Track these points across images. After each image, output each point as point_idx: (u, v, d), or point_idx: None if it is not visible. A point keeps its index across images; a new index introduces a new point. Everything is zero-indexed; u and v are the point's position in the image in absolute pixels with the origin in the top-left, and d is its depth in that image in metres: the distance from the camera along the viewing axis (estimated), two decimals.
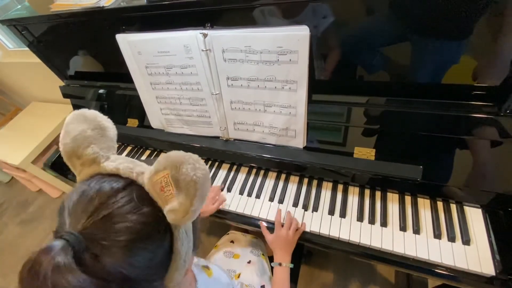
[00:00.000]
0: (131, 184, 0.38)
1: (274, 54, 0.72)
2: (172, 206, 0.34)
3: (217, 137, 1.00)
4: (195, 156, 0.36)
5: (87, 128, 0.41)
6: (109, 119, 0.45)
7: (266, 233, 0.83)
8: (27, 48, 1.11)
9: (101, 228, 0.33)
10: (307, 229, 0.81)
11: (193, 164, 0.34)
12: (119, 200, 0.35)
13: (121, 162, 0.39)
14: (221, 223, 0.97)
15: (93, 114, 0.43)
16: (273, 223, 0.85)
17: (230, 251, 0.96)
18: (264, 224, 0.86)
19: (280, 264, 0.77)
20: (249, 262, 0.91)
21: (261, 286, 0.84)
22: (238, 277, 0.86)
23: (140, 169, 0.38)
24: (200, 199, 0.35)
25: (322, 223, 0.82)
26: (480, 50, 0.61)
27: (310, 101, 0.79)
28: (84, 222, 0.33)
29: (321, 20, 0.67)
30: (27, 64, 1.82)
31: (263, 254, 0.97)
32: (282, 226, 0.81)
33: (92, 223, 0.33)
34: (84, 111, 0.43)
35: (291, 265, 0.78)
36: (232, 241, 1.01)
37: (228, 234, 1.07)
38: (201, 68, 0.83)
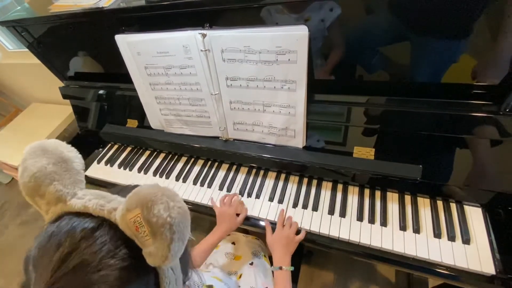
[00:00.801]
0: (103, 223, 0.33)
1: (273, 54, 0.72)
2: (149, 250, 0.31)
3: (217, 137, 1.00)
4: (169, 192, 0.31)
5: (47, 163, 0.35)
6: (72, 148, 0.39)
7: (268, 230, 0.82)
8: (27, 49, 1.11)
9: (74, 281, 0.29)
10: (307, 229, 0.81)
11: (166, 203, 0.30)
12: (93, 243, 0.31)
13: (90, 199, 0.34)
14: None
15: (54, 144, 0.38)
16: (273, 223, 0.85)
17: (232, 253, 0.96)
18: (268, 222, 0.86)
19: (280, 268, 0.74)
20: (251, 264, 0.90)
21: None
22: (240, 277, 0.86)
23: (112, 205, 0.33)
24: (179, 242, 0.31)
25: (322, 222, 0.81)
26: (479, 49, 0.61)
27: (309, 100, 0.79)
28: (52, 276, 0.29)
29: (321, 20, 0.67)
30: (27, 65, 1.82)
31: (264, 256, 0.97)
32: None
33: (62, 276, 0.29)
34: (43, 142, 0.37)
35: (292, 268, 0.75)
36: (233, 243, 1.01)
37: (228, 235, 1.06)
38: (200, 68, 0.83)
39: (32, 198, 0.36)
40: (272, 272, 0.80)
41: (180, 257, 0.34)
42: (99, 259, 0.30)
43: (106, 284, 0.30)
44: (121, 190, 0.39)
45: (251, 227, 0.90)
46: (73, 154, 0.39)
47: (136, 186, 0.41)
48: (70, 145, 0.39)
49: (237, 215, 0.87)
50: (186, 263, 0.40)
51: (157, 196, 0.30)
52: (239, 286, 0.83)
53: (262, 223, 0.88)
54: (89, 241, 0.31)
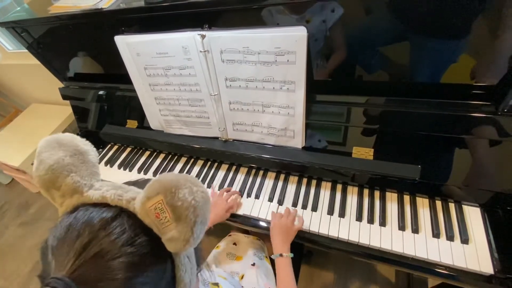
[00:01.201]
0: (121, 212, 0.34)
1: (272, 54, 0.72)
2: (171, 235, 0.31)
3: (216, 138, 1.00)
4: (192, 178, 0.32)
5: (64, 155, 0.36)
6: (87, 142, 0.40)
7: (273, 218, 0.83)
8: (27, 50, 1.11)
9: (94, 268, 0.29)
10: (307, 229, 0.82)
11: (190, 187, 0.31)
12: (111, 232, 0.31)
13: (107, 189, 0.35)
14: (220, 224, 0.97)
15: (69, 137, 0.38)
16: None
17: (233, 253, 0.96)
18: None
19: (281, 255, 0.76)
20: (253, 264, 0.90)
21: None
22: (242, 278, 0.86)
23: (130, 195, 0.34)
24: (201, 225, 0.32)
25: (321, 223, 0.82)
26: (478, 49, 0.62)
27: (308, 101, 0.79)
28: (73, 263, 0.29)
29: (322, 21, 0.67)
30: (26, 66, 1.83)
31: (266, 256, 0.97)
32: None
33: (82, 264, 0.29)
34: (58, 136, 0.38)
35: (291, 255, 0.77)
36: (234, 243, 1.01)
37: (229, 235, 1.06)
38: (200, 69, 0.83)
39: (47, 191, 0.36)
40: (273, 264, 0.80)
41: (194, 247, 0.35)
42: (119, 247, 0.31)
43: (126, 271, 0.30)
44: (134, 183, 0.39)
45: (251, 228, 0.90)
46: (88, 147, 0.39)
47: (148, 180, 0.41)
48: (84, 139, 0.40)
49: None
50: (199, 254, 0.41)
51: (180, 182, 0.31)
52: (242, 287, 0.83)
53: (262, 223, 0.88)
54: (107, 230, 0.31)
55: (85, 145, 0.39)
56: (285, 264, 0.75)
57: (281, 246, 0.77)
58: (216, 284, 0.66)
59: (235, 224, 0.92)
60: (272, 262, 0.82)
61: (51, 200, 0.37)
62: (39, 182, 0.36)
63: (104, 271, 0.29)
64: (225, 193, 0.92)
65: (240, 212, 0.91)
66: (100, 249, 0.30)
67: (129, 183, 0.40)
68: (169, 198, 0.31)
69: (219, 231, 1.64)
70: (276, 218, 0.82)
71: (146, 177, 1.08)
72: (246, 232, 1.17)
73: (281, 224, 0.80)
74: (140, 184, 0.37)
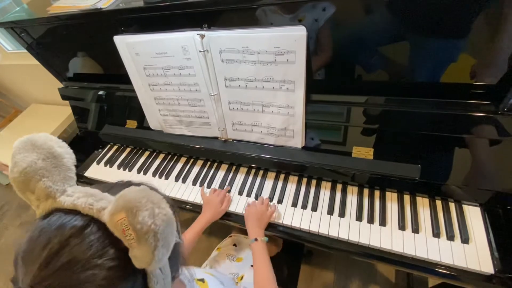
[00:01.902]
0: (92, 222, 0.32)
1: (271, 54, 0.72)
2: (135, 253, 0.30)
3: (216, 138, 1.00)
4: (156, 197, 0.31)
5: (36, 158, 0.34)
6: (64, 143, 0.38)
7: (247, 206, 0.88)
8: (26, 51, 1.11)
9: (60, 280, 0.29)
10: (306, 229, 0.81)
11: (151, 209, 0.30)
12: (81, 242, 0.30)
13: (79, 197, 0.34)
14: (220, 224, 0.97)
15: (44, 139, 0.36)
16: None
17: (233, 255, 0.96)
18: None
19: (256, 240, 0.79)
20: (252, 265, 0.90)
21: None
22: (241, 279, 0.86)
23: (101, 204, 0.33)
24: (163, 249, 0.30)
25: (321, 222, 0.82)
26: (478, 49, 0.62)
27: (308, 101, 0.79)
28: (39, 274, 0.29)
29: (320, 19, 0.67)
30: (26, 66, 1.82)
31: None
32: None
33: (49, 275, 0.29)
34: (32, 136, 0.36)
35: (266, 239, 0.81)
36: (235, 244, 1.01)
37: (230, 236, 1.06)
38: (199, 69, 0.83)
39: (23, 193, 0.36)
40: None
41: (169, 256, 0.34)
42: (87, 259, 0.30)
43: (93, 284, 0.29)
44: (112, 187, 0.38)
45: None
46: (63, 149, 0.37)
47: (127, 183, 0.40)
48: (61, 140, 0.38)
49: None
50: (177, 260, 0.40)
51: (142, 203, 0.30)
52: (236, 283, 0.83)
53: None
54: (78, 239, 0.31)
55: (60, 147, 0.37)
56: (260, 247, 0.78)
57: (256, 230, 0.81)
58: (202, 279, 0.65)
59: (235, 224, 0.92)
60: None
61: (28, 202, 0.36)
62: (14, 184, 0.35)
63: (71, 284, 0.29)
64: (215, 191, 0.95)
65: (240, 211, 0.90)
66: (68, 260, 0.29)
67: (107, 186, 0.39)
68: (130, 218, 0.29)
69: (220, 231, 1.65)
70: (251, 205, 0.87)
71: (144, 179, 1.08)
72: (247, 233, 1.17)
73: (256, 210, 0.84)
74: (119, 187, 0.36)
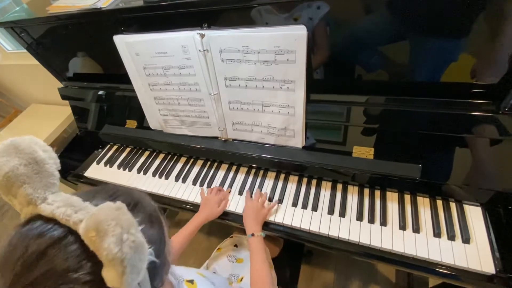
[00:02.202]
0: (69, 234, 0.31)
1: (272, 54, 0.72)
2: (105, 275, 0.29)
3: (216, 138, 1.00)
4: (126, 222, 0.29)
5: (18, 163, 0.33)
6: (48, 147, 0.37)
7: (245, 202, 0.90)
8: (26, 50, 1.11)
9: None
10: (306, 229, 0.81)
11: (119, 235, 0.28)
12: (57, 254, 0.29)
13: (58, 206, 0.32)
14: (221, 224, 0.97)
15: (27, 142, 0.35)
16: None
17: (234, 256, 0.96)
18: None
19: (253, 235, 0.80)
20: None
21: None
22: (241, 280, 0.86)
23: (79, 216, 0.31)
24: (132, 275, 0.29)
25: (321, 222, 0.81)
26: (479, 48, 0.61)
27: (308, 100, 0.79)
28: (16, 284, 0.28)
29: (319, 18, 0.66)
30: (26, 66, 1.82)
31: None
32: None
33: (27, 284, 0.28)
34: (16, 140, 0.35)
35: (263, 234, 0.82)
36: (236, 245, 1.00)
37: (231, 237, 1.06)
38: (199, 68, 0.83)
39: (6, 196, 0.35)
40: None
41: (150, 269, 0.33)
42: (63, 271, 0.29)
43: None
44: (94, 196, 0.37)
45: None
46: (47, 154, 0.36)
47: (113, 191, 0.39)
48: (46, 144, 0.37)
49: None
50: (161, 271, 0.39)
51: (110, 227, 0.28)
52: (231, 283, 0.82)
53: None
54: (55, 250, 0.30)
55: (44, 151, 0.36)
56: (257, 242, 0.79)
57: (253, 226, 0.82)
58: (191, 281, 0.65)
59: (235, 224, 0.92)
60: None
61: (13, 206, 0.36)
62: None
63: None
64: (214, 190, 0.96)
65: (240, 211, 0.90)
66: (44, 271, 0.29)
67: (93, 191, 0.38)
68: (98, 241, 0.28)
69: (220, 232, 1.65)
70: (248, 201, 0.89)
71: (144, 178, 1.08)
72: None
73: (252, 206, 0.86)
74: (100, 197, 0.36)
